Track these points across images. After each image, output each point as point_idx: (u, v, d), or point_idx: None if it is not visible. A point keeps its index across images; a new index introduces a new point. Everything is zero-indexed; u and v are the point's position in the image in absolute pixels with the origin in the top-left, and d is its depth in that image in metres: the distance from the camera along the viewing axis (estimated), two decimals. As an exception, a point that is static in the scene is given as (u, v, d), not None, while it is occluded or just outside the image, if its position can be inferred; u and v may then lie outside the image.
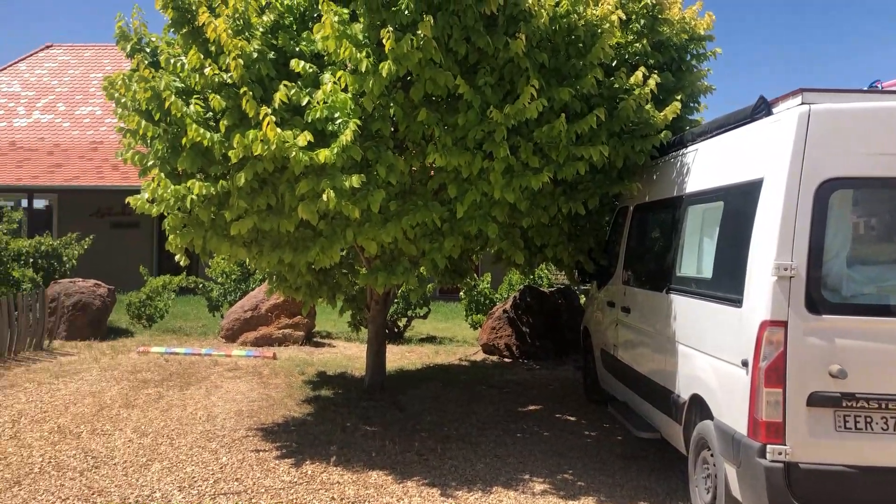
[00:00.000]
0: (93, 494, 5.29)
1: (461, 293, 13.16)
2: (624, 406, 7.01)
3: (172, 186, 6.11)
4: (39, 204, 20.09)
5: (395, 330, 12.39)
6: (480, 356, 11.40)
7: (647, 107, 6.66)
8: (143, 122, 6.28)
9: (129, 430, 6.82)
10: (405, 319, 12.68)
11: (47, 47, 24.66)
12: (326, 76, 6.02)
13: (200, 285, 13.46)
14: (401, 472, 5.89)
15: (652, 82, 6.60)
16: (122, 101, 6.59)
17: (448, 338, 13.13)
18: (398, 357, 10.88)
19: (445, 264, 7.07)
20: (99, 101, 21.70)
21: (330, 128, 5.81)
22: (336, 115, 5.80)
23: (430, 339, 12.88)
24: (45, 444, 6.36)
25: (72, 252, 13.85)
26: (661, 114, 6.68)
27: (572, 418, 7.78)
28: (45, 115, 21.52)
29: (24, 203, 18.78)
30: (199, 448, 6.36)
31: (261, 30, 6.14)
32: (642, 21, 7.58)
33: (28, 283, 12.39)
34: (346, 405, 7.93)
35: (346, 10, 5.94)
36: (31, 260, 13.16)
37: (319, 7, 5.97)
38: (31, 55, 24.23)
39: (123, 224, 19.40)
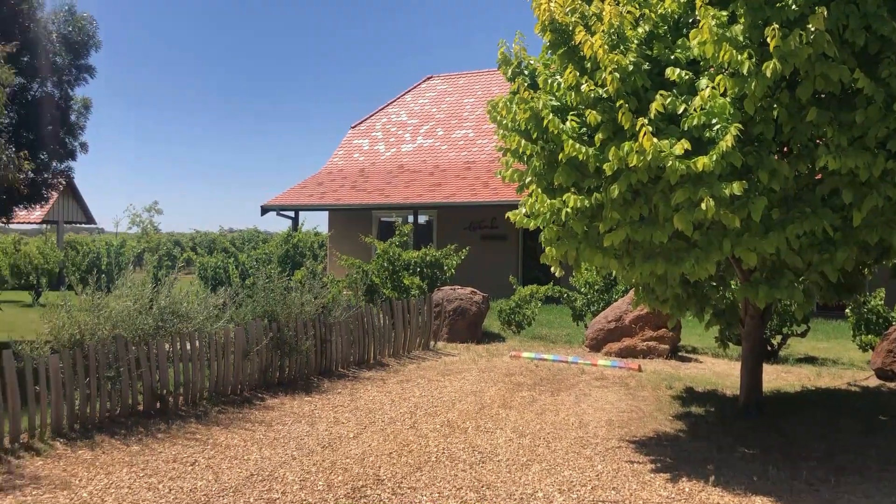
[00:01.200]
0: (482, 487, 5.72)
1: (847, 310, 11.79)
2: None
3: (549, 201, 6.40)
4: (422, 219, 22.51)
5: (769, 348, 11.53)
6: (874, 382, 10.11)
7: None
8: (522, 142, 6.68)
9: (508, 430, 7.27)
10: (780, 337, 11.74)
11: (428, 79, 27.60)
12: (703, 82, 5.84)
13: (564, 295, 13.91)
14: (787, 502, 5.44)
15: None
16: (503, 122, 7.08)
17: (830, 359, 11.87)
18: (773, 377, 10.11)
19: (838, 277, 6.42)
20: (471, 124, 23.71)
21: (707, 134, 5.63)
22: (714, 120, 5.60)
23: (810, 360, 11.75)
24: (438, 437, 7.05)
25: (451, 262, 15.21)
26: None
27: None
28: (427, 139, 24.08)
29: (411, 218, 21.17)
30: (574, 453, 6.55)
31: (635, 42, 6.15)
32: None
33: (416, 289, 13.93)
34: (720, 424, 7.58)
35: (724, 13, 5.70)
36: (418, 269, 14.75)
37: (696, 13, 5.83)
38: (415, 87, 27.31)
39: (492, 237, 20.96)
